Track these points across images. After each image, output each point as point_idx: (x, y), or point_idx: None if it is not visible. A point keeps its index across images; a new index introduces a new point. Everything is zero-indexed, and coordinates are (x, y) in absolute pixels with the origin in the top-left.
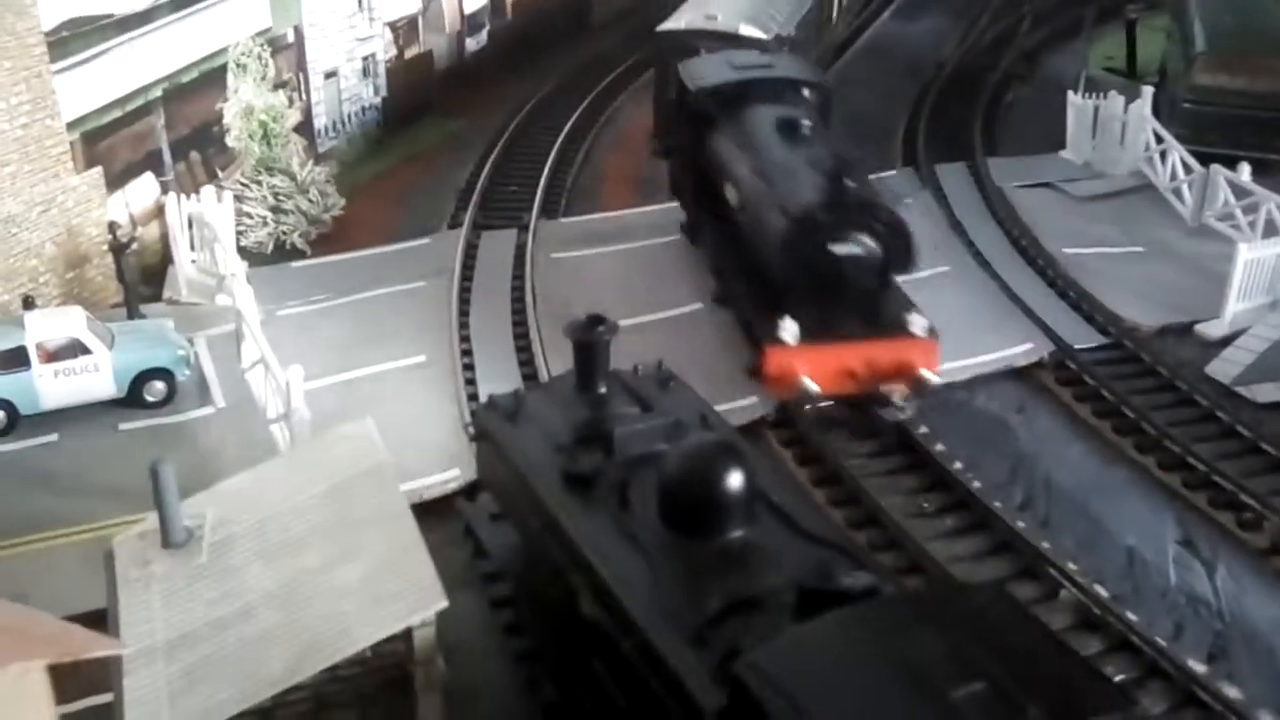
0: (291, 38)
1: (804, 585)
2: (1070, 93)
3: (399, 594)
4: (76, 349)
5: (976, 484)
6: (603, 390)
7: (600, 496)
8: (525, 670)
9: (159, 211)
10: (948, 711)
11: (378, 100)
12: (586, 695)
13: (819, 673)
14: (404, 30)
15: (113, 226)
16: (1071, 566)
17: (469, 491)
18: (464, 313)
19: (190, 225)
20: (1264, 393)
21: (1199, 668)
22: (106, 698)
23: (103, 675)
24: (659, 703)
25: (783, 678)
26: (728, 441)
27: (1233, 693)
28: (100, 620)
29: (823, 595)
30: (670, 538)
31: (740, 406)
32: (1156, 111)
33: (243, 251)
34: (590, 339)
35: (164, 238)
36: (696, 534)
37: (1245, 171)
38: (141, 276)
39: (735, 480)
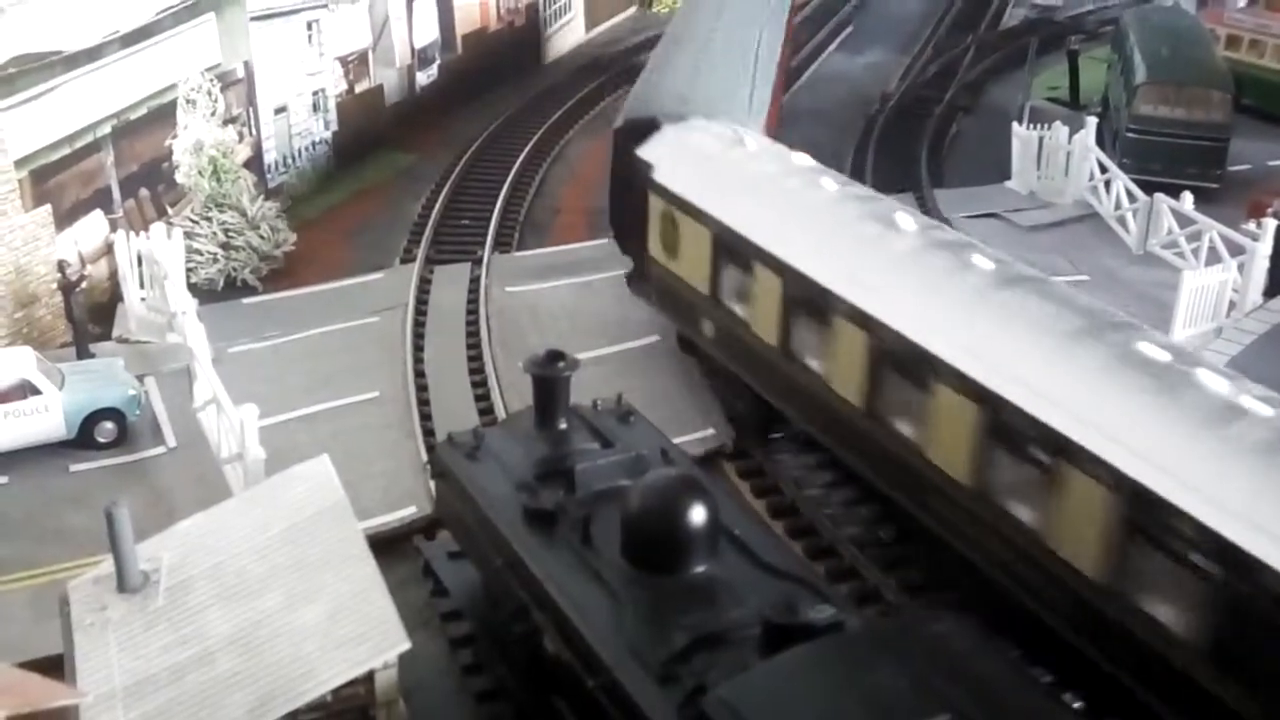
0: (241, 73)
1: (769, 620)
2: (1015, 123)
3: (360, 636)
4: (26, 390)
5: None
6: (563, 426)
7: (563, 533)
8: (487, 711)
9: (108, 249)
10: None
11: (328, 135)
12: None
13: (787, 708)
14: (354, 65)
15: (62, 265)
16: None
17: (427, 529)
18: (419, 347)
19: (140, 263)
20: None
21: None
22: None
23: None
24: None
25: (751, 714)
26: (690, 476)
27: None
28: (56, 666)
29: (788, 630)
30: (634, 573)
31: (697, 438)
32: (1100, 141)
33: (193, 289)
34: (551, 375)
35: (113, 276)
36: (660, 569)
37: (1188, 200)
38: (91, 315)
39: (698, 515)
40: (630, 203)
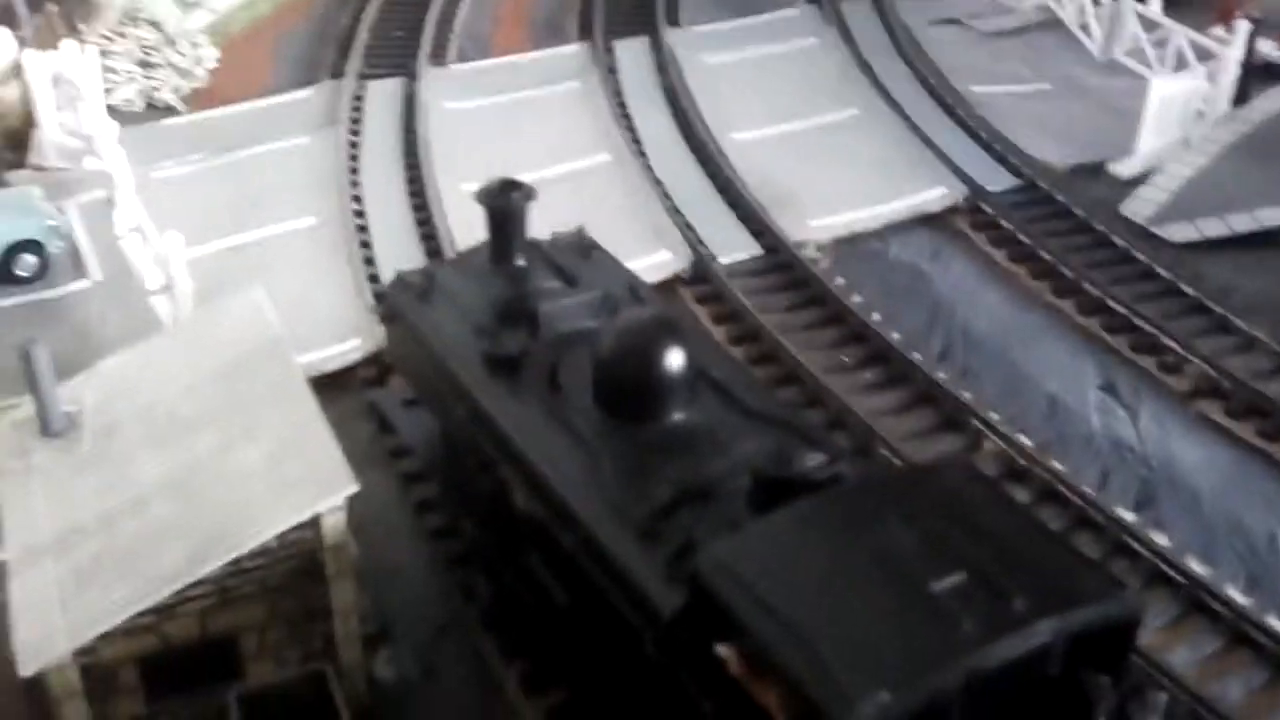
0: None
1: (760, 471)
2: None
3: (304, 478)
4: None
5: (895, 335)
6: (521, 263)
7: (528, 380)
8: (442, 549)
9: (17, 70)
10: (929, 606)
11: None
12: (523, 590)
13: (787, 570)
14: None
15: None
16: (994, 416)
17: (373, 366)
18: (354, 170)
19: (54, 84)
20: (1180, 232)
21: (1128, 516)
22: None
23: None
24: (606, 601)
25: (748, 575)
26: (665, 316)
27: (1161, 540)
28: None
29: (781, 482)
30: (608, 423)
31: (653, 263)
32: None
33: (111, 110)
34: (505, 205)
35: (25, 99)
36: (636, 418)
37: (1155, 3)
38: (3, 141)
39: (676, 358)
40: None
